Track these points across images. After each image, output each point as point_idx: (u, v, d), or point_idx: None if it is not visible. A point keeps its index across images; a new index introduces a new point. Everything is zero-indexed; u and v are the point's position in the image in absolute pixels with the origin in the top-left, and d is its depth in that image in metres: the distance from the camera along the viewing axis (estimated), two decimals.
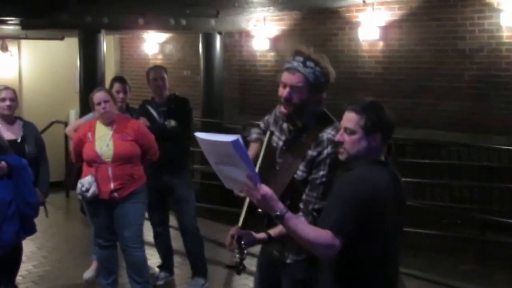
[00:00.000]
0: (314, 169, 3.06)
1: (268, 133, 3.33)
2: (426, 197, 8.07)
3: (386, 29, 8.84)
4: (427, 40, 8.51)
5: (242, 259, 2.88)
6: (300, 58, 3.06)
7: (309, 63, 3.04)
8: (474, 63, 8.08)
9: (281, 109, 3.14)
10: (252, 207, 3.05)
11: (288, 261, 3.21)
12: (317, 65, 3.05)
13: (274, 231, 3.06)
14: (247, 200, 3.02)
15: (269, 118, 3.43)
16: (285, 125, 3.24)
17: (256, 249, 3.30)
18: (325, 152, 3.04)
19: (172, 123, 5.59)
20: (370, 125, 2.76)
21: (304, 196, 3.08)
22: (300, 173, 3.09)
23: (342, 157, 2.85)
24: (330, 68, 3.08)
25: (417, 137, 8.01)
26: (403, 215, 2.88)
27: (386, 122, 2.80)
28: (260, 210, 2.97)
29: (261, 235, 3.05)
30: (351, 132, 2.79)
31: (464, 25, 8.09)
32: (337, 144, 2.94)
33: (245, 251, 2.89)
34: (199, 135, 2.72)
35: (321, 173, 3.04)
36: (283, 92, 3.10)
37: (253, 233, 3.00)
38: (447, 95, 8.32)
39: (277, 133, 3.29)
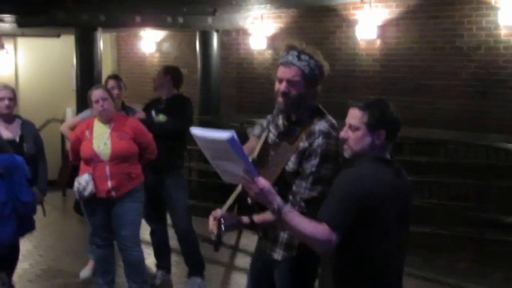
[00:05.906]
0: (305, 160, 3.07)
1: (265, 132, 3.36)
2: (424, 195, 8.06)
3: (383, 27, 8.82)
4: (425, 38, 8.50)
5: (219, 237, 2.92)
6: (295, 52, 3.09)
7: (304, 57, 3.08)
8: (471, 61, 8.08)
9: (278, 100, 3.14)
10: (241, 199, 3.08)
11: (280, 258, 3.21)
12: (311, 58, 3.09)
13: (257, 218, 3.07)
14: (237, 190, 3.05)
15: (270, 116, 3.45)
16: (280, 121, 3.26)
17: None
18: (316, 142, 3.05)
19: (160, 117, 5.56)
20: (374, 122, 2.75)
21: (294, 187, 3.08)
22: (291, 164, 3.10)
23: (346, 154, 2.85)
24: (324, 62, 3.12)
25: (414, 135, 7.99)
26: (407, 214, 2.85)
27: (391, 119, 2.80)
28: (250, 201, 2.99)
29: (244, 219, 3.07)
30: (355, 128, 2.78)
31: (462, 23, 8.08)
32: (329, 136, 3.02)
33: (222, 229, 2.92)
34: (194, 131, 2.74)
35: (311, 162, 3.05)
36: (279, 87, 3.11)
37: (235, 216, 3.04)
38: (444, 93, 8.31)
39: (273, 130, 3.32)
